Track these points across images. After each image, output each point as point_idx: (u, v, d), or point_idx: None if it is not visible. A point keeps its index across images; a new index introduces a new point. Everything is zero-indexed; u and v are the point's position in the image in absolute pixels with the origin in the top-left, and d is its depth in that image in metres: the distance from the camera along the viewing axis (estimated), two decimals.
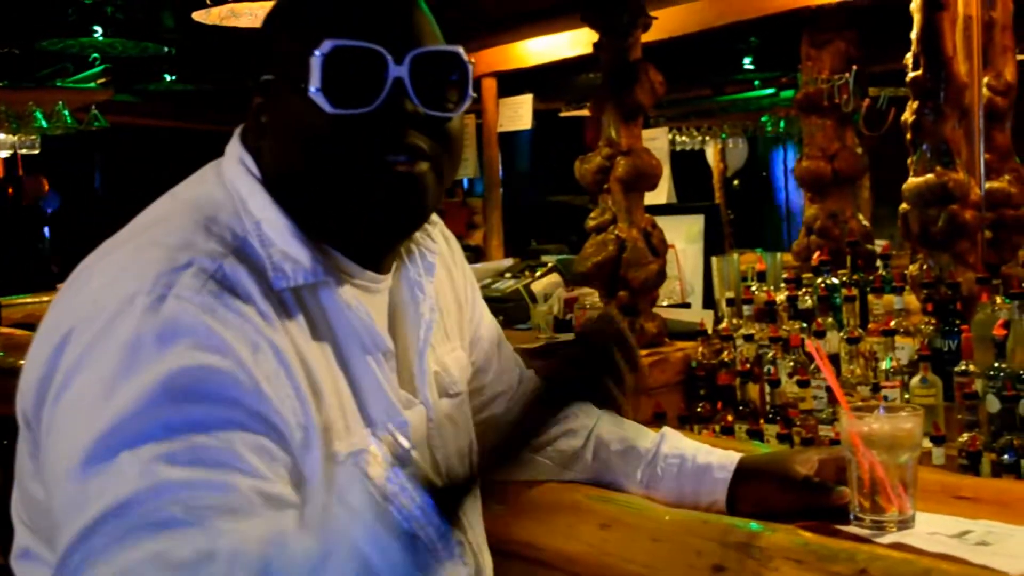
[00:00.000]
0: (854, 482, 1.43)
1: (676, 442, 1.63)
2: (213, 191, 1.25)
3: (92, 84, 6.56)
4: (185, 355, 1.05)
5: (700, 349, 2.94)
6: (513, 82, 4.94)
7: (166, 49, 6.09)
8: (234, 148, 1.29)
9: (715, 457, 1.58)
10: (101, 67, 6.39)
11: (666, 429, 1.66)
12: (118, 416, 1.01)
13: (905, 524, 1.39)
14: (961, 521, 1.41)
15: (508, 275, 4.04)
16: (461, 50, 1.26)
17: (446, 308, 1.52)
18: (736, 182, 9.57)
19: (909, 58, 2.76)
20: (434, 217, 1.47)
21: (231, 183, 1.25)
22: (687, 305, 3.68)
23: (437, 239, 1.49)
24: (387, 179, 1.21)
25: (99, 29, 5.53)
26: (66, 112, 6.35)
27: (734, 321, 2.96)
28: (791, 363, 2.69)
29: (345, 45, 1.17)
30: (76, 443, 1.02)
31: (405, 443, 1.28)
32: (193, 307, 1.08)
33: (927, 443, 2.25)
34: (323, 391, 1.19)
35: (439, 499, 1.04)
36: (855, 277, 3.00)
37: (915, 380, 2.42)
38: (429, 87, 1.21)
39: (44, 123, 6.31)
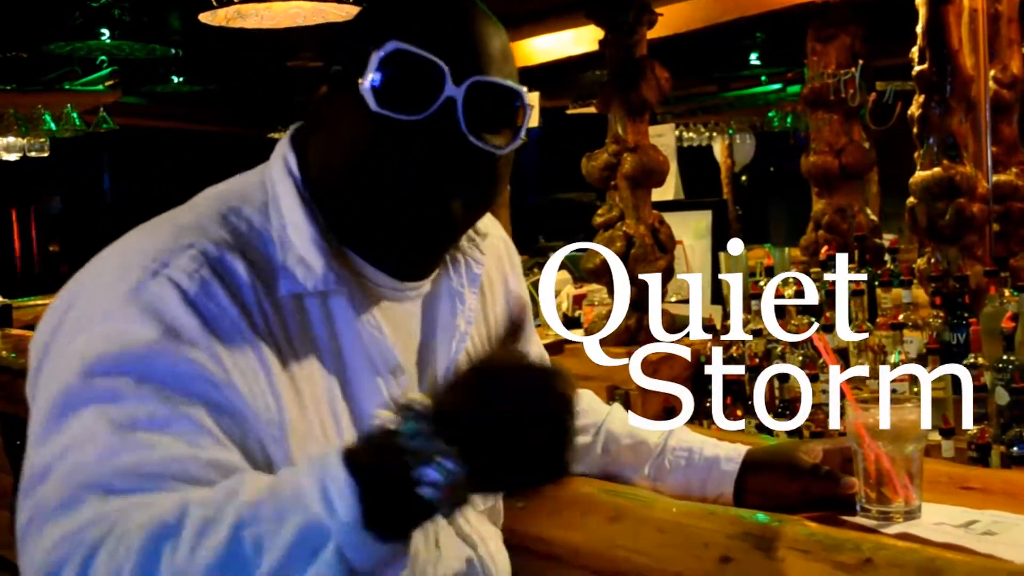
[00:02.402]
0: (860, 473, 1.43)
1: (683, 436, 1.63)
2: (249, 185, 1.26)
3: (100, 86, 6.58)
4: (160, 336, 1.06)
5: (709, 344, 2.94)
6: (519, 80, 4.94)
7: (173, 51, 6.11)
8: (282, 146, 1.29)
9: (722, 449, 1.58)
10: (109, 69, 6.41)
11: (673, 424, 1.67)
12: (79, 377, 1.04)
13: (911, 515, 1.40)
14: (967, 511, 1.42)
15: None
16: (524, 91, 1.24)
17: (496, 316, 1.51)
18: (744, 178, 9.56)
19: (915, 52, 2.77)
20: (489, 227, 1.45)
21: (270, 179, 1.25)
22: None
23: (492, 249, 1.48)
24: (414, 195, 1.19)
25: (106, 31, 5.54)
26: (74, 115, 6.37)
27: (743, 316, 2.96)
28: (800, 358, 2.69)
29: (407, 50, 1.16)
30: (41, 406, 1.06)
31: None
32: (177, 291, 1.09)
33: (936, 436, 2.26)
34: (307, 399, 1.18)
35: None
36: (863, 271, 3.00)
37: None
38: (481, 118, 1.19)
39: (53, 126, 6.33)
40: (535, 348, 1.65)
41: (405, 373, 1.30)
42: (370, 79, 1.16)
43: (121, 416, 1.02)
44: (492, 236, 1.48)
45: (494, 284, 1.51)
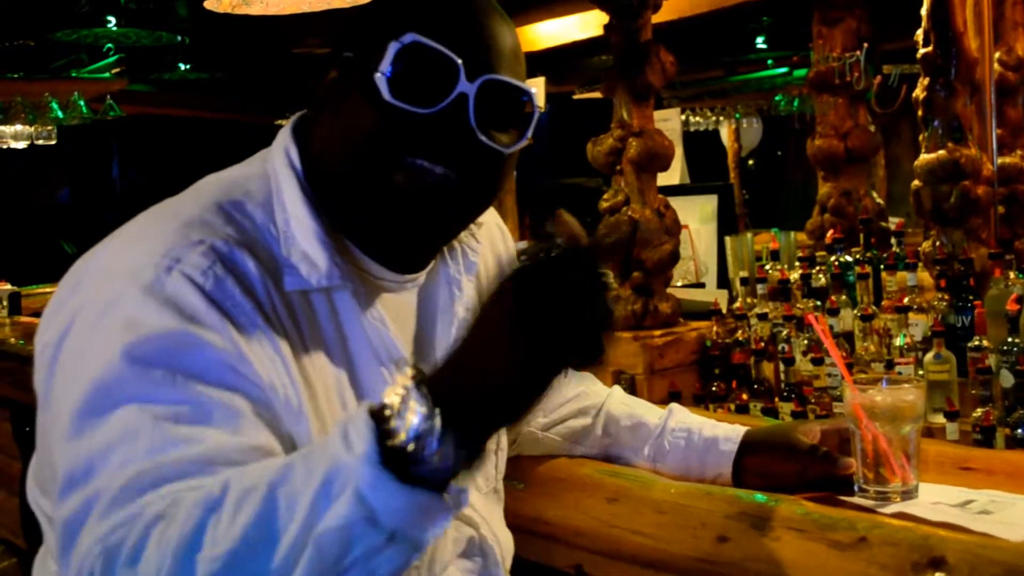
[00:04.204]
0: (858, 454, 1.44)
1: (683, 417, 1.64)
2: (252, 176, 1.26)
3: (107, 74, 6.60)
4: (184, 327, 1.07)
5: (714, 328, 2.94)
6: (525, 65, 4.94)
7: (180, 38, 6.11)
8: (284, 137, 1.30)
9: (721, 430, 1.59)
10: (115, 57, 6.42)
11: (673, 405, 1.68)
12: (110, 373, 1.04)
13: (908, 494, 1.41)
14: (964, 491, 1.42)
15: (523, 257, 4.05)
16: (534, 92, 1.26)
17: None
18: (751, 162, 9.53)
19: (919, 35, 2.76)
20: (485, 216, 1.46)
21: (273, 171, 1.26)
22: (701, 285, 3.67)
23: (487, 236, 1.50)
24: (416, 185, 1.20)
25: (112, 19, 5.54)
26: (81, 102, 6.39)
27: (748, 300, 2.96)
28: (805, 341, 2.70)
29: (425, 44, 1.17)
30: (72, 401, 1.05)
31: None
32: (193, 286, 1.10)
33: (941, 418, 2.26)
34: (318, 391, 1.20)
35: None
36: (868, 255, 3.00)
37: (929, 356, 2.42)
38: (491, 115, 1.21)
39: (60, 113, 6.35)
40: None
41: (408, 364, 1.31)
42: (385, 69, 1.17)
43: (162, 411, 1.03)
44: (488, 224, 1.50)
45: (490, 270, 1.52)
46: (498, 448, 1.50)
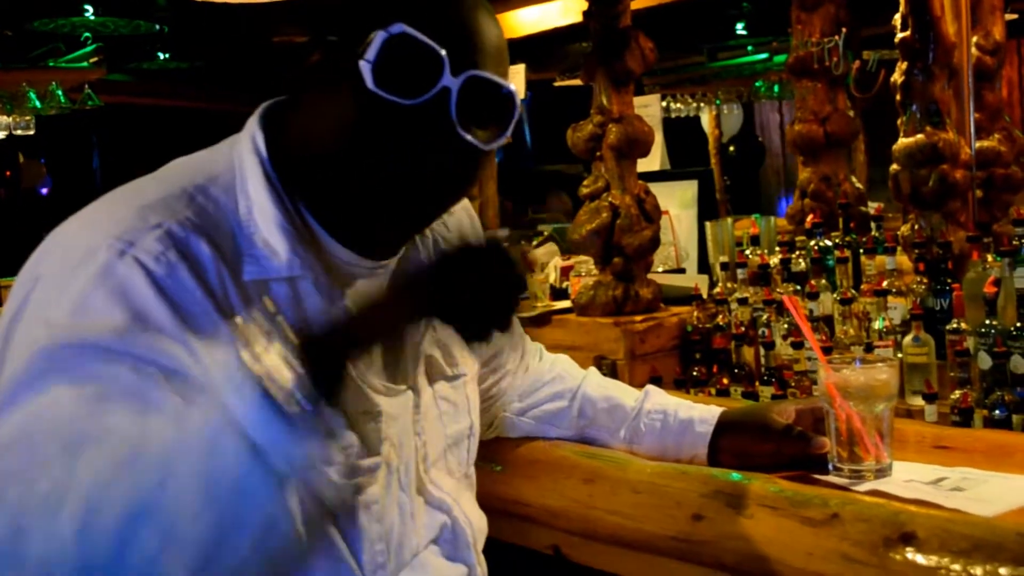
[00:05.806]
0: (832, 433, 1.45)
1: (659, 398, 1.65)
2: (218, 161, 1.26)
3: (85, 63, 6.56)
4: (128, 323, 1.07)
5: (695, 313, 2.95)
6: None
7: (158, 27, 6.08)
8: (251, 124, 1.29)
9: (696, 412, 1.60)
10: (93, 46, 6.39)
11: (649, 387, 1.69)
12: (50, 348, 1.05)
13: (882, 472, 1.42)
14: (938, 469, 1.44)
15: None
16: (516, 91, 1.26)
17: None
18: (732, 148, 9.51)
19: (897, 19, 2.76)
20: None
21: (238, 158, 1.25)
22: (682, 270, 3.69)
23: (456, 223, 1.51)
24: (392, 176, 1.20)
25: (90, 8, 5.51)
26: (59, 92, 6.35)
27: (728, 285, 2.97)
28: (785, 325, 2.70)
29: (412, 35, 1.17)
30: (12, 372, 1.06)
31: (378, 431, 1.30)
32: (144, 273, 1.09)
33: (920, 401, 2.28)
34: None
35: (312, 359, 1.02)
36: (848, 239, 3.01)
37: (907, 339, 2.43)
38: (472, 112, 1.20)
39: (37, 103, 6.32)
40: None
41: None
42: (370, 57, 1.16)
43: (92, 391, 1.03)
44: (457, 211, 1.51)
45: None
46: (470, 434, 1.50)
